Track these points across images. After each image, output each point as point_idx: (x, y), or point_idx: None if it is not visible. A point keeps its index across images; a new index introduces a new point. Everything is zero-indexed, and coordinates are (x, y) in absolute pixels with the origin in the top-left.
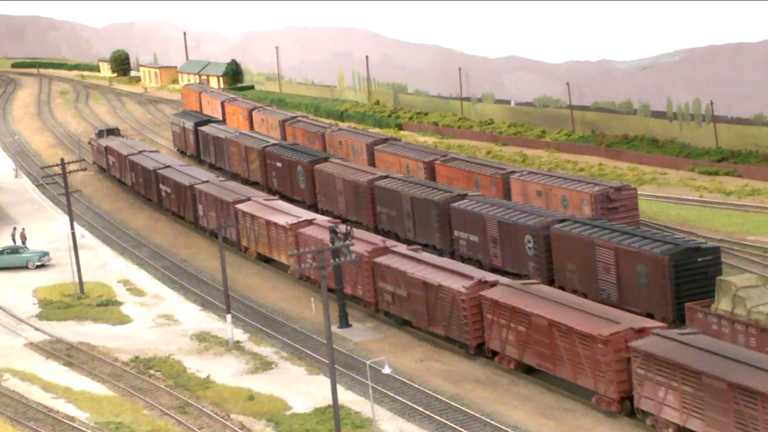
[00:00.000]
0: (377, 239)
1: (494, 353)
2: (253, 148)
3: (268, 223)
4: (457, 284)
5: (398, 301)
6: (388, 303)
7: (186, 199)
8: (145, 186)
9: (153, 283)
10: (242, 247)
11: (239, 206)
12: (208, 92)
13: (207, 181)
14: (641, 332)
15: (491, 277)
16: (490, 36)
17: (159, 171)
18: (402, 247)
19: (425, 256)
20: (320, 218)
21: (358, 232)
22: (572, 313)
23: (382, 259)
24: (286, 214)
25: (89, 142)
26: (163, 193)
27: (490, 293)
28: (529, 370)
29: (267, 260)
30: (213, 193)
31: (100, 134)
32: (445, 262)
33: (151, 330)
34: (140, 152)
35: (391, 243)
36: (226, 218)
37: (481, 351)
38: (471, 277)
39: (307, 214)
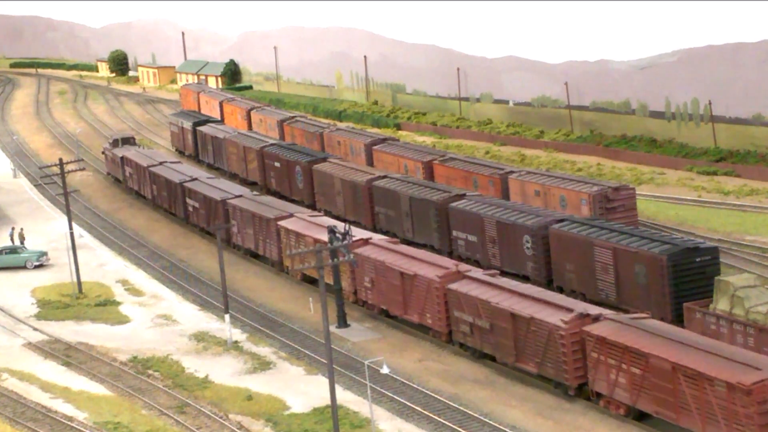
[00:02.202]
0: (449, 263)
1: (598, 395)
2: (252, 148)
3: (317, 243)
4: (554, 317)
5: (478, 334)
6: (465, 335)
7: (217, 214)
8: (169, 199)
9: (151, 283)
10: (285, 267)
11: (282, 223)
12: (207, 92)
13: (240, 196)
14: None
15: (593, 309)
16: (488, 36)
17: (185, 184)
18: (478, 272)
19: (505, 281)
20: (377, 237)
21: (426, 255)
22: (699, 355)
23: (458, 286)
24: None
25: (102, 152)
26: (191, 208)
27: (595, 329)
28: (641, 417)
29: (313, 281)
30: (250, 209)
31: (115, 143)
32: (532, 290)
33: (150, 330)
34: (161, 163)
35: (464, 267)
36: (266, 236)
37: (582, 392)
38: (569, 310)
39: (362, 233)
